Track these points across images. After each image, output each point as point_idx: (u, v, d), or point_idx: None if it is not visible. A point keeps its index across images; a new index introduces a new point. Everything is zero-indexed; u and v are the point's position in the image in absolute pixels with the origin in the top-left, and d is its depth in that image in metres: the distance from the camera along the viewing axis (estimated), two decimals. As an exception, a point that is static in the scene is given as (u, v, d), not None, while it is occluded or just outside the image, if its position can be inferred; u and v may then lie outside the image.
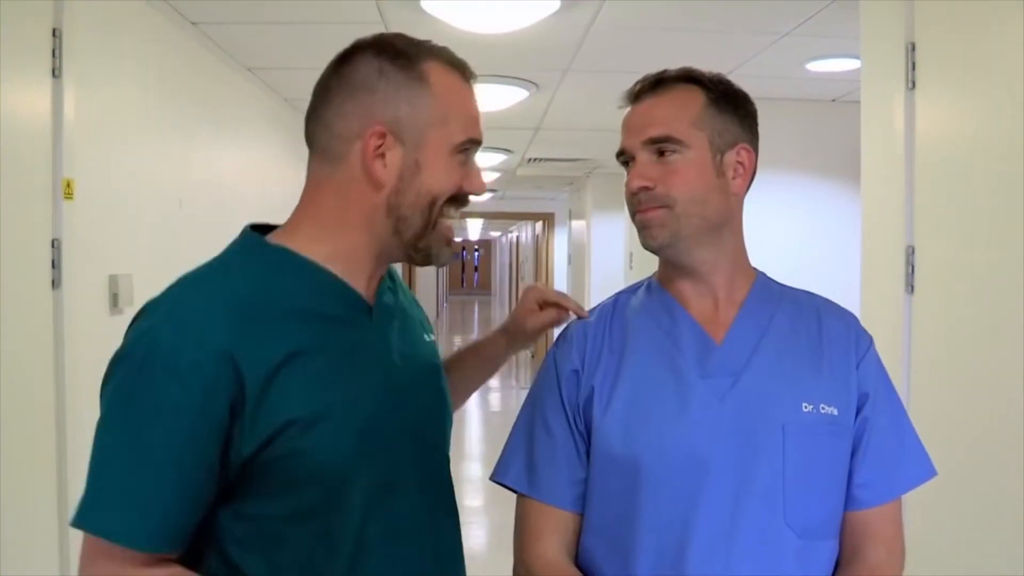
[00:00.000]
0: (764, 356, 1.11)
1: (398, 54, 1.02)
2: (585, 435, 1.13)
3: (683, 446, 1.06)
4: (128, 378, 0.91)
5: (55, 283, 2.02)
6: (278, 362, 0.93)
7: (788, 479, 1.05)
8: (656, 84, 1.14)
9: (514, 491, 1.17)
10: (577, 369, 1.15)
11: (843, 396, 1.10)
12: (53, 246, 2.01)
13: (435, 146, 1.01)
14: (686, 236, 1.11)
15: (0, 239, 1.82)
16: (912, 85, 2.06)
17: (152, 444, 0.89)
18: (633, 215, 1.14)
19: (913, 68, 2.06)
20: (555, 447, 1.14)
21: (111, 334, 0.93)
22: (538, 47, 3.15)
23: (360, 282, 1.04)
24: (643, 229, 1.13)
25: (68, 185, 2.05)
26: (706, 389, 1.09)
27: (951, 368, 1.93)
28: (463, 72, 1.06)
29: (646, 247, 1.14)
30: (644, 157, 1.11)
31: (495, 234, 24.62)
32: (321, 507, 0.96)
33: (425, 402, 1.11)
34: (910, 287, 2.08)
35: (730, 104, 1.14)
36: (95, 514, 0.90)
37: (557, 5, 2.48)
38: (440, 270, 20.47)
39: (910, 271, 2.07)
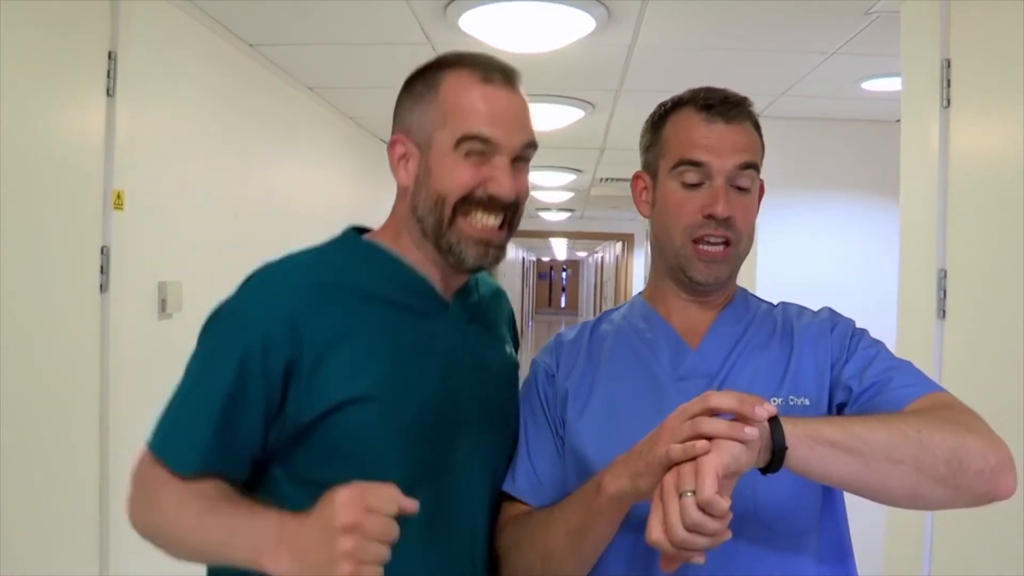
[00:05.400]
0: (737, 360, 1.11)
1: (428, 68, 1.11)
2: (560, 435, 1.16)
3: None
4: (208, 330, 1.06)
5: (103, 287, 2.16)
6: (341, 335, 1.02)
7: (759, 477, 1.04)
8: (735, 106, 1.11)
9: None
10: (552, 372, 1.19)
11: (816, 385, 1.08)
12: (102, 253, 2.15)
13: (439, 147, 1.07)
14: (733, 273, 1.14)
15: (51, 245, 1.97)
16: (947, 103, 2.00)
17: (207, 380, 1.01)
18: (690, 242, 1.10)
19: (948, 86, 2.00)
20: (526, 440, 1.17)
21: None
22: (585, 67, 3.18)
23: (435, 279, 1.12)
24: (708, 262, 1.10)
25: (118, 196, 2.19)
26: (679, 392, 1.08)
27: (981, 397, 1.83)
28: (482, 73, 1.08)
29: (697, 282, 1.11)
30: (722, 182, 1.09)
31: (582, 254, 24.61)
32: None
33: (489, 402, 1.15)
34: (941, 312, 2.00)
35: (761, 137, 1.15)
36: (154, 433, 1.03)
37: (593, 26, 2.50)
38: (526, 289, 20.54)
39: (942, 295, 2.00)
